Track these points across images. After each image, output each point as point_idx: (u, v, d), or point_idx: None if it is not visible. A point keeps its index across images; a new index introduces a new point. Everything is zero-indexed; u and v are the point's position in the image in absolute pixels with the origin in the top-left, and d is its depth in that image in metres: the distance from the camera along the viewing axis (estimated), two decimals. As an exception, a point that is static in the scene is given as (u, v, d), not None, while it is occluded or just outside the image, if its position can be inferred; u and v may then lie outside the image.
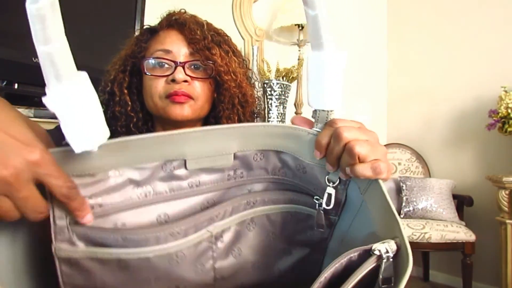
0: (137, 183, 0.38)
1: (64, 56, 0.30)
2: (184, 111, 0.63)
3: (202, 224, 0.40)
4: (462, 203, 2.23)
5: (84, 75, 0.32)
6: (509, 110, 1.95)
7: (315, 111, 0.39)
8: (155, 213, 0.40)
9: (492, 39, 2.31)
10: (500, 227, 1.91)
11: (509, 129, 1.96)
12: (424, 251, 2.39)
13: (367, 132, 0.39)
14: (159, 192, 0.40)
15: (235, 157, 0.41)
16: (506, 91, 2.02)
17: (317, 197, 0.43)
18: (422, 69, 2.68)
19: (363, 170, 0.36)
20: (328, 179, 0.41)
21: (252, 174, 0.44)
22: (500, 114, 1.99)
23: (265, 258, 0.46)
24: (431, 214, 2.12)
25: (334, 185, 0.41)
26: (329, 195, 0.41)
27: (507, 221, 1.86)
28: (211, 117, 0.70)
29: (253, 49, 2.00)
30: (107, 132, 0.34)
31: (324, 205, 0.42)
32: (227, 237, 0.42)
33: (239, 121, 0.70)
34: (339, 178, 0.40)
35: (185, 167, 0.40)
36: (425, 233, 1.95)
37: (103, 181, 0.36)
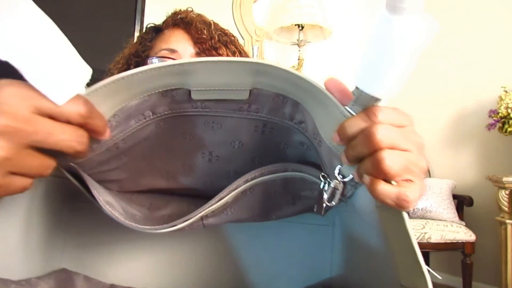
0: (135, 115, 0.35)
1: None
2: None
3: (194, 216, 0.39)
4: (462, 203, 2.23)
5: (31, 3, 0.24)
6: (509, 110, 1.95)
7: (357, 89, 0.28)
8: (154, 124, 0.37)
9: (492, 39, 2.31)
10: (500, 227, 1.91)
11: (509, 129, 1.97)
12: (424, 251, 2.38)
13: (411, 137, 0.29)
14: (159, 112, 0.36)
15: (251, 93, 0.34)
16: (506, 91, 2.02)
17: (324, 175, 0.37)
18: (422, 69, 2.68)
19: (385, 195, 0.27)
20: (340, 170, 0.33)
21: (271, 113, 0.37)
22: (500, 114, 2.00)
23: (263, 212, 0.44)
24: (431, 214, 2.12)
25: (344, 180, 0.33)
26: (334, 190, 0.34)
27: (507, 221, 1.86)
28: None
29: (253, 49, 2.00)
30: (87, 68, 0.28)
31: (325, 200, 0.35)
32: (220, 208, 0.41)
33: None
34: (352, 175, 0.32)
35: (189, 96, 0.34)
36: (425, 233, 1.95)
37: None
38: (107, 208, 0.36)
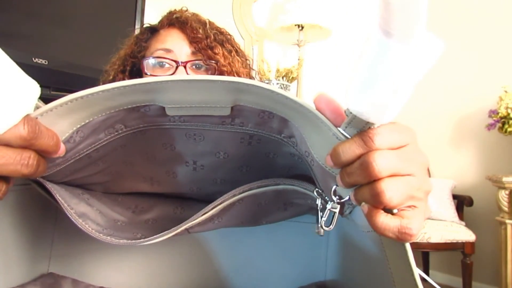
0: (103, 129, 0.32)
1: None
2: None
3: (179, 227, 0.37)
4: (462, 203, 2.23)
5: None
6: (509, 110, 1.95)
7: (350, 112, 0.25)
8: (131, 135, 0.35)
9: (492, 39, 2.31)
10: (500, 227, 1.90)
11: (509, 129, 1.96)
12: (424, 251, 2.38)
13: (413, 158, 0.26)
14: (132, 126, 0.33)
15: (233, 109, 0.31)
16: (506, 91, 2.02)
17: (318, 191, 0.34)
18: (422, 69, 2.68)
19: (385, 228, 0.25)
20: (335, 191, 0.30)
21: (257, 127, 0.34)
22: (500, 114, 1.99)
23: (252, 218, 0.42)
24: (431, 214, 2.12)
25: (340, 201, 0.30)
26: (332, 213, 0.31)
27: (507, 221, 1.86)
28: None
29: (253, 49, 2.00)
30: (35, 87, 0.25)
31: (322, 224, 0.31)
32: (206, 219, 0.38)
33: None
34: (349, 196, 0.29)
35: (164, 112, 0.31)
36: (425, 233, 1.95)
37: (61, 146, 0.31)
38: (79, 222, 0.35)
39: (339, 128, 0.26)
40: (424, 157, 0.27)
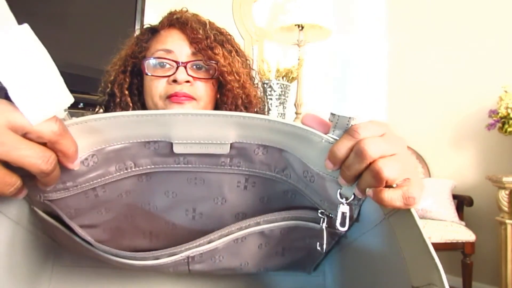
0: (115, 161, 0.35)
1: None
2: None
3: (179, 253, 0.37)
4: (462, 203, 2.23)
5: (27, 28, 0.26)
6: (509, 110, 1.95)
7: (333, 115, 0.30)
8: (136, 177, 0.38)
9: (492, 39, 2.31)
10: (500, 227, 1.90)
11: (509, 129, 1.96)
12: (424, 251, 2.38)
13: (394, 142, 0.30)
14: (141, 165, 0.36)
15: (232, 147, 0.35)
16: (506, 91, 2.02)
17: (322, 211, 0.38)
18: (422, 69, 2.68)
19: (392, 199, 0.29)
20: (341, 194, 0.34)
21: (251, 166, 0.37)
22: (500, 114, 1.99)
23: (251, 261, 0.43)
24: (431, 214, 2.12)
25: (348, 201, 0.33)
26: (343, 214, 0.34)
27: (507, 221, 1.86)
28: None
29: (253, 49, 2.00)
30: (69, 97, 0.28)
31: (338, 226, 0.34)
32: (208, 253, 0.39)
33: None
34: (354, 194, 0.33)
35: (171, 151, 0.34)
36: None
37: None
38: (88, 238, 0.36)
39: (328, 134, 0.32)
40: (402, 140, 0.32)
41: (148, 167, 0.36)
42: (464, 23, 2.46)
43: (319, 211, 0.38)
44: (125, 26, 1.37)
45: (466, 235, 1.97)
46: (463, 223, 2.09)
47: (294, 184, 0.39)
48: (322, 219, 0.38)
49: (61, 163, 0.29)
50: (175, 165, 0.36)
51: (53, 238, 0.41)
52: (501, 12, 2.29)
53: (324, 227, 0.38)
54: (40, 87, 0.26)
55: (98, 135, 0.32)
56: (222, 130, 0.33)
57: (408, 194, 0.29)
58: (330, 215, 0.37)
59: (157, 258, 0.37)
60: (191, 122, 0.32)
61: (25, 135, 0.26)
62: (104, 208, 0.38)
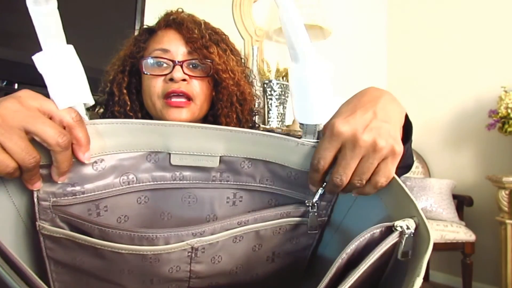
0: (120, 172, 0.39)
1: (58, 20, 0.33)
2: (181, 115, 0.63)
3: (185, 237, 0.39)
4: (462, 203, 2.23)
5: (71, 47, 0.35)
6: (509, 110, 1.95)
7: (302, 124, 0.38)
8: (136, 196, 0.41)
9: (492, 39, 2.31)
10: (500, 227, 1.91)
11: (509, 129, 1.97)
12: (424, 251, 2.38)
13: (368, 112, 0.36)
14: (142, 180, 0.40)
15: (221, 160, 0.40)
16: (506, 91, 2.02)
17: (309, 200, 0.43)
18: (422, 69, 2.68)
19: (369, 191, 0.37)
20: (321, 195, 0.41)
21: (239, 179, 0.43)
22: (500, 114, 2.00)
23: (245, 265, 0.45)
24: (431, 214, 2.12)
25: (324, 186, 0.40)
26: (321, 194, 0.41)
27: (507, 221, 1.86)
28: (210, 116, 0.70)
29: (253, 49, 2.00)
30: (90, 98, 0.36)
31: (317, 200, 0.42)
32: (210, 248, 0.41)
33: (238, 119, 0.70)
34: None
35: (170, 162, 0.39)
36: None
37: (86, 168, 0.37)
38: (102, 223, 0.37)
39: (301, 139, 0.39)
40: (367, 96, 0.39)
41: (148, 183, 0.40)
42: (464, 23, 2.46)
43: (306, 201, 0.43)
44: (125, 26, 1.37)
45: (466, 235, 1.97)
46: (463, 223, 2.09)
47: (279, 188, 0.44)
48: (309, 207, 0.43)
49: (74, 152, 0.34)
50: (172, 181, 0.41)
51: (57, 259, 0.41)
52: (501, 12, 2.29)
53: (314, 213, 0.43)
54: (69, 84, 0.34)
55: (105, 139, 0.36)
56: (211, 143, 0.39)
57: (378, 184, 0.36)
58: (316, 202, 0.43)
59: (167, 243, 0.38)
60: (185, 134, 0.37)
61: (50, 119, 0.33)
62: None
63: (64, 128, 0.33)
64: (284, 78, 1.97)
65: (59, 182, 0.35)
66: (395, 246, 0.33)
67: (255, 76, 0.79)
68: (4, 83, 1.05)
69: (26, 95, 0.33)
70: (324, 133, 0.37)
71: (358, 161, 0.35)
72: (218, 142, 0.39)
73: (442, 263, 2.44)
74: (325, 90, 0.37)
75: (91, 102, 0.36)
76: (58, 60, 0.33)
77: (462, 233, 1.97)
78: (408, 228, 0.32)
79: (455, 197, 2.22)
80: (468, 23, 2.44)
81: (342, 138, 0.35)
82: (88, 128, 0.35)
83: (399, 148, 0.35)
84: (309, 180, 0.39)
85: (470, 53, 2.41)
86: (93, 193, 0.38)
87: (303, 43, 0.35)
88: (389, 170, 0.36)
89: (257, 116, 0.77)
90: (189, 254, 0.40)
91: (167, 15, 0.70)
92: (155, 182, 0.41)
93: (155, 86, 0.64)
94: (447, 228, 1.98)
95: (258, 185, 0.44)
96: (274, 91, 1.92)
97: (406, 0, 2.84)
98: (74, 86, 0.34)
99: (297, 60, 0.37)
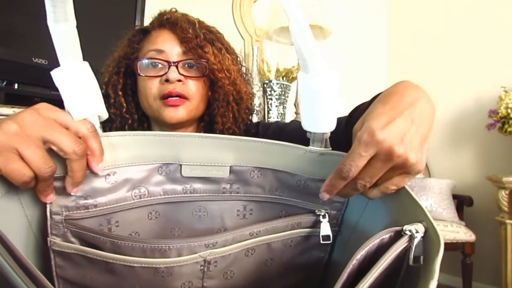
0: (132, 185, 0.39)
1: (76, 38, 0.34)
2: (178, 114, 0.63)
3: (198, 248, 0.38)
4: (462, 203, 2.23)
5: (87, 64, 0.36)
6: (509, 110, 1.95)
7: (309, 132, 0.39)
8: (147, 210, 0.41)
9: (492, 39, 2.31)
10: (500, 227, 1.90)
11: (509, 129, 1.96)
12: (424, 251, 2.38)
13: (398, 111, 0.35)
14: (154, 194, 0.40)
15: (231, 171, 0.41)
16: (506, 91, 2.02)
17: (320, 208, 0.43)
18: (422, 69, 2.68)
19: (374, 195, 0.37)
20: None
21: (249, 190, 0.43)
22: (500, 114, 1.99)
23: (258, 281, 0.45)
24: (431, 214, 2.11)
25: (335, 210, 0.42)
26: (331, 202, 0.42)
27: (507, 221, 1.86)
28: (206, 115, 0.70)
29: (253, 49, 2.00)
30: (105, 111, 0.37)
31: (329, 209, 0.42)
32: (223, 262, 0.40)
33: (234, 118, 0.69)
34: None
35: (181, 174, 0.40)
36: (425, 233, 1.95)
37: (99, 181, 0.37)
38: (115, 235, 0.36)
39: (309, 147, 0.40)
40: (403, 100, 0.37)
41: (160, 196, 0.40)
42: (464, 23, 2.46)
43: (316, 211, 0.43)
44: (125, 26, 1.37)
45: (466, 235, 1.97)
46: (463, 223, 2.09)
47: (288, 198, 0.44)
48: (321, 215, 0.43)
49: (89, 163, 0.35)
50: (183, 195, 0.41)
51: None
52: (501, 12, 2.28)
53: (327, 222, 0.43)
54: (84, 98, 0.35)
55: (118, 151, 0.37)
56: (221, 153, 0.39)
57: (391, 188, 0.36)
58: (327, 211, 0.43)
59: (179, 255, 0.37)
60: (196, 144, 0.38)
61: (66, 129, 0.34)
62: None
63: (80, 138, 0.34)
64: (284, 78, 1.97)
65: (72, 193, 0.35)
66: (406, 251, 0.32)
67: (251, 74, 0.79)
68: (4, 83, 1.05)
69: (44, 107, 0.34)
70: (356, 136, 0.34)
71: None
72: (228, 152, 0.39)
73: (442, 263, 2.39)
74: (334, 100, 0.37)
75: (105, 115, 0.37)
76: (75, 75, 0.35)
77: (462, 233, 1.97)
78: (417, 231, 0.32)
79: (455, 197, 2.22)
80: (468, 23, 2.44)
81: (378, 147, 0.33)
82: (101, 140, 0.35)
83: (422, 167, 0.35)
84: (326, 187, 0.37)
85: (470, 53, 2.41)
86: (105, 207, 0.38)
87: (313, 54, 0.35)
88: (403, 182, 0.36)
89: (253, 114, 0.76)
90: (202, 268, 0.39)
91: (161, 15, 0.69)
92: (166, 196, 0.41)
93: (151, 88, 0.64)
94: (447, 228, 1.97)
95: (268, 196, 0.44)
96: (274, 91, 1.92)
97: (406, 0, 2.84)
98: (89, 99, 0.35)
99: (307, 70, 0.37)
